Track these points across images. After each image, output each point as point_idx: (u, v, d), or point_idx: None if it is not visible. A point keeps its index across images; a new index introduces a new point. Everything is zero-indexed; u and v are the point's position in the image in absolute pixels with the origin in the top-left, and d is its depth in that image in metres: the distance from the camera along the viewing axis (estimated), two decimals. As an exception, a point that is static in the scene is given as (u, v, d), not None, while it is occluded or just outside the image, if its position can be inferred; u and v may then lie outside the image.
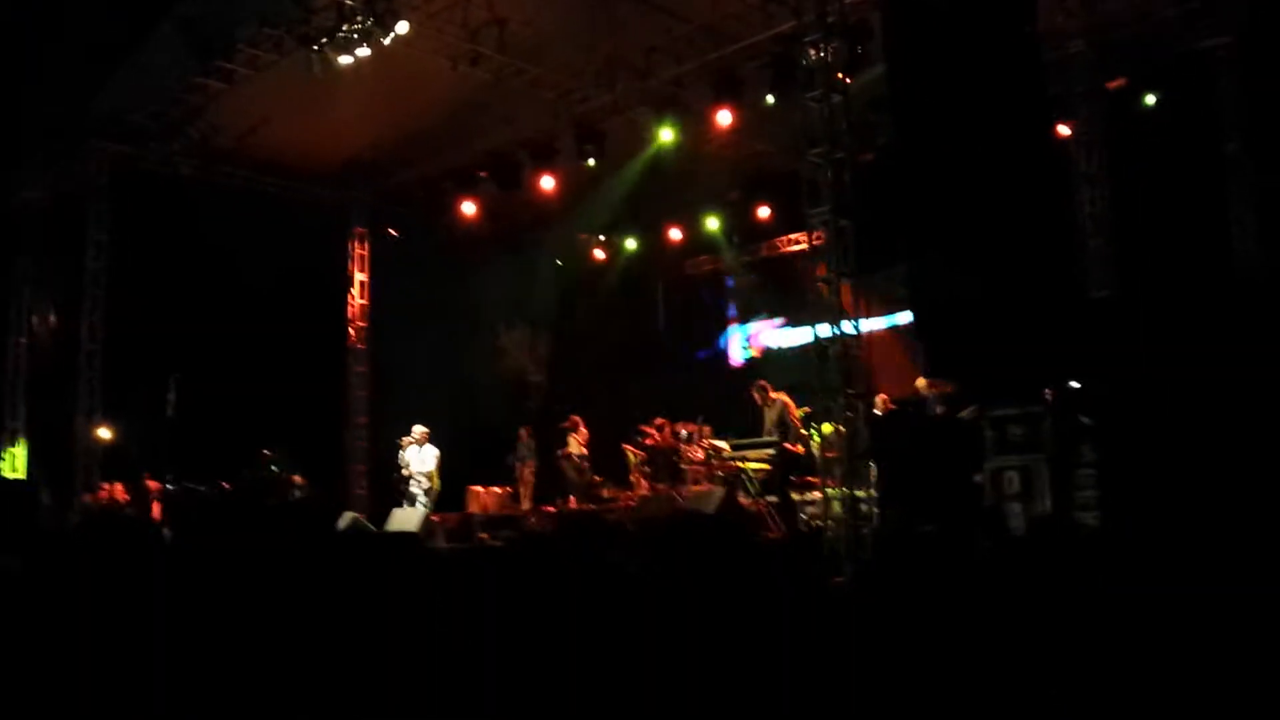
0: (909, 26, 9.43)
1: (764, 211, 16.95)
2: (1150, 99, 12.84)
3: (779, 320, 17.69)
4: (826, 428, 10.00)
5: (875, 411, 10.25)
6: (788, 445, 12.75)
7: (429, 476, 14.26)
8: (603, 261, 19.11)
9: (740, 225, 17.60)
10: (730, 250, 18.35)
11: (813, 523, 11.02)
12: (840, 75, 10.05)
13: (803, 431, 12.84)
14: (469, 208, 16.27)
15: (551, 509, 14.88)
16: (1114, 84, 12.86)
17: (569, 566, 4.40)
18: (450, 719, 3.69)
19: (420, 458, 14.35)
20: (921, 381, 11.44)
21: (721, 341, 18.62)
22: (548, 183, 15.21)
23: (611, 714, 3.92)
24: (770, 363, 17.40)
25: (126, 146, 14.41)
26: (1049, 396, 8.52)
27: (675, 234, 18.16)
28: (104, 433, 14.15)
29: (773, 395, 13.34)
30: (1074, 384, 8.39)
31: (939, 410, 11.08)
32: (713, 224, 17.83)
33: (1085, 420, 8.14)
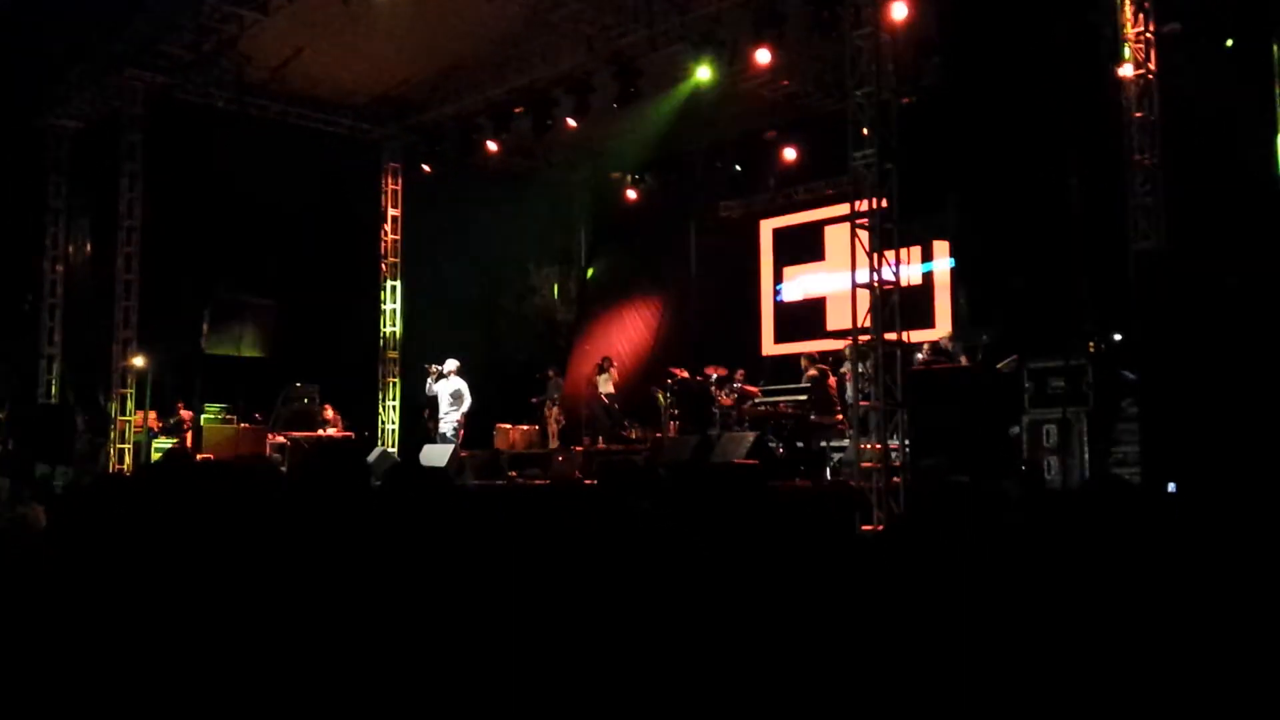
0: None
1: (803, 153, 16.54)
2: (1229, 42, 12.34)
3: (816, 264, 17.41)
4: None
5: (918, 357, 10.07)
6: (818, 391, 12.64)
7: (456, 408, 14.33)
8: (635, 201, 18.84)
9: (776, 167, 17.22)
10: None
11: (842, 471, 10.95)
12: (887, 12, 9.77)
13: (832, 379, 12.71)
14: (500, 144, 16.08)
15: (579, 449, 14.91)
16: (1168, 29, 12.43)
17: (605, 513, 4.36)
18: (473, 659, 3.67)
19: (449, 391, 14.40)
20: (944, 334, 11.25)
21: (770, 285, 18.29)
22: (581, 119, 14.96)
23: (634, 661, 3.89)
24: (808, 308, 17.19)
25: (161, 77, 14.30)
26: (1092, 349, 8.36)
27: (709, 174, 17.84)
28: (138, 361, 14.26)
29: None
30: (1117, 336, 8.22)
31: (963, 360, 10.91)
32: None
33: (1128, 374, 7.98)
